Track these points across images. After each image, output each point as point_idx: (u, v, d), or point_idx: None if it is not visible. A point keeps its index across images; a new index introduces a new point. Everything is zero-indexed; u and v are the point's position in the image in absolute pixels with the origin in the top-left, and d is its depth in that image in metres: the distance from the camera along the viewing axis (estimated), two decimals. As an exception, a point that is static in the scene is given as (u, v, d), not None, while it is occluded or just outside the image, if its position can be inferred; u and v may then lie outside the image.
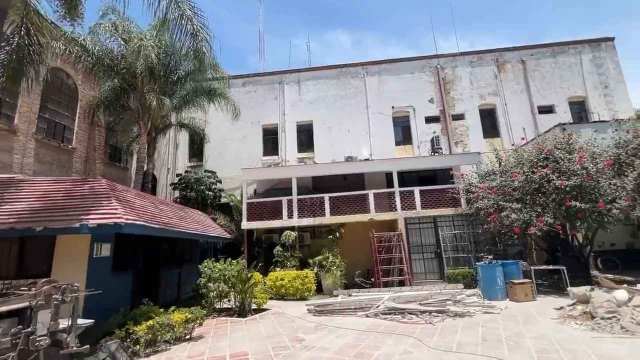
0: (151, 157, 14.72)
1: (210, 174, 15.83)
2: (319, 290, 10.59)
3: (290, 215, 11.84)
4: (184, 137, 18.08)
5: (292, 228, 11.73)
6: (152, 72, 12.45)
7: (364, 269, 11.90)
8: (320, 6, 56.90)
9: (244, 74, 18.58)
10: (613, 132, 9.12)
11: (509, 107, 16.42)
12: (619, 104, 15.99)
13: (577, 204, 7.43)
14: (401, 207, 11.49)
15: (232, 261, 8.57)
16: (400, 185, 11.89)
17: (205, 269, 7.78)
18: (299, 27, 58.78)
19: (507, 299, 7.59)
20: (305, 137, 17.53)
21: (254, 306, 8.13)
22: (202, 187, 14.85)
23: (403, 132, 17.02)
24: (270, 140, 17.73)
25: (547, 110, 16.31)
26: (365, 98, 17.26)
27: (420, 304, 6.61)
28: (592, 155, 8.13)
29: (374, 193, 11.75)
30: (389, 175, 13.88)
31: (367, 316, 6.66)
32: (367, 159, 15.09)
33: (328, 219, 11.65)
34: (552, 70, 16.80)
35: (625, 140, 8.41)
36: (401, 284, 10.47)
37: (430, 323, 5.85)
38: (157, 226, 5.73)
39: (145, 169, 14.73)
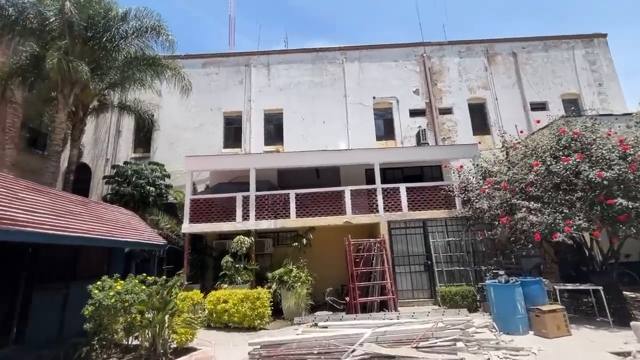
0: (76, 141, 11.79)
1: (155, 167, 13.01)
2: (278, 313, 8.13)
3: (245, 217, 9.34)
4: (128, 123, 15.12)
5: (248, 233, 9.25)
6: (71, 28, 9.66)
7: (337, 285, 9.58)
8: (301, 17, 54.94)
9: (205, 53, 15.98)
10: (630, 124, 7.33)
11: (500, 102, 14.85)
12: (613, 102, 14.85)
13: (622, 201, 5.52)
14: (384, 208, 9.33)
15: (149, 277, 5.97)
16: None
17: (96, 291, 5.13)
18: (279, 35, 56.65)
19: (531, 332, 5.51)
20: (274, 128, 15.14)
21: (174, 345, 5.55)
22: (142, 181, 12.01)
23: (385, 126, 15.03)
24: (233, 130, 15.18)
25: (540, 107, 14.88)
26: (344, 86, 15.16)
27: (418, 348, 4.36)
28: (636, 139, 6.29)
29: (351, 190, 9.52)
30: (369, 172, 11.76)
31: (337, 367, 4.31)
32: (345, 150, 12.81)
33: (293, 221, 9.25)
34: (544, 64, 15.48)
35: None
36: (383, 305, 8.22)
37: (437, 386, 3.60)
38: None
39: (67, 156, 11.78)
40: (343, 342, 4.76)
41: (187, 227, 9.30)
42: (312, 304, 8.19)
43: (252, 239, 9.10)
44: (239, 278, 8.39)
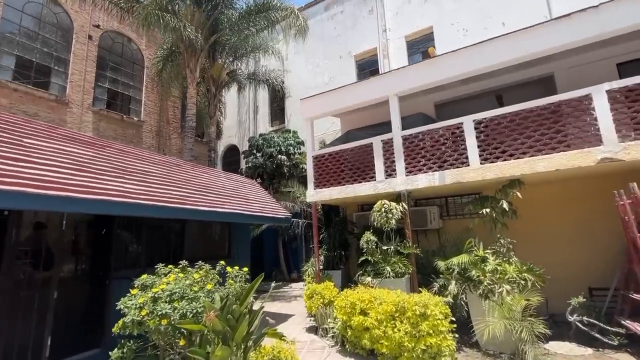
0: (213, 118, 11.49)
1: (288, 135, 11.48)
2: (465, 328, 4.36)
3: (390, 172, 5.89)
4: (263, 98, 14.51)
5: (397, 198, 5.81)
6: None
7: (582, 287, 4.84)
8: None
9: (325, -6, 13.34)
10: None
11: None
12: None
13: None
14: None
15: (229, 268, 3.55)
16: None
17: (134, 291, 3.01)
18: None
19: None
20: (423, 58, 10.84)
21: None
22: (272, 149, 10.57)
23: None
24: (368, 75, 11.93)
25: None
26: (535, -45, 9.10)
27: None
28: None
29: (609, 90, 4.37)
30: (626, 67, 5.92)
31: None
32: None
33: (476, 170, 5.07)
34: None
35: None
36: None
37: None
38: None
39: (202, 132, 11.72)
40: None
41: (313, 194, 6.74)
42: (547, 332, 3.92)
43: (405, 205, 5.58)
44: (387, 268, 5.10)
